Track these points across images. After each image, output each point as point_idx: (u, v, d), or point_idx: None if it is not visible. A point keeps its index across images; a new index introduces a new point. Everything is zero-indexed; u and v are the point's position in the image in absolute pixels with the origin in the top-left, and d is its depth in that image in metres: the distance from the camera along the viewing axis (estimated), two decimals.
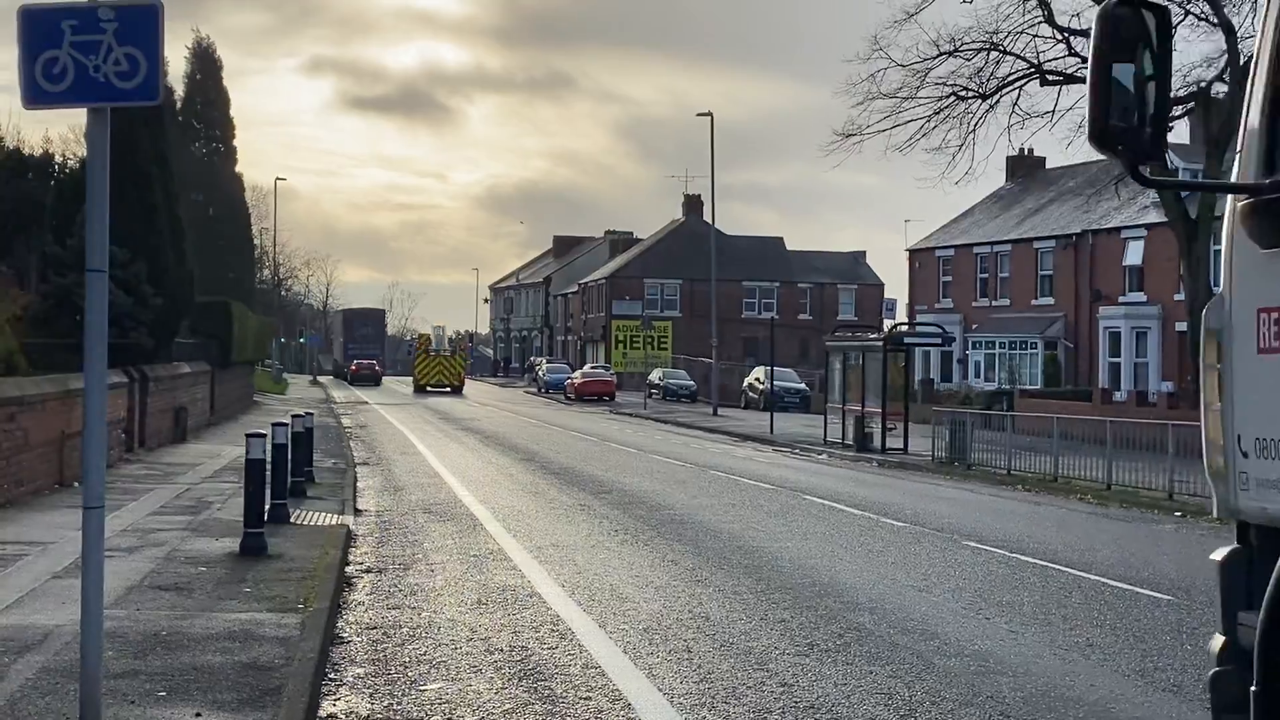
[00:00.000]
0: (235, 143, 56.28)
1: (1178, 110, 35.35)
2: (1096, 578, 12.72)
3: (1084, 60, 34.95)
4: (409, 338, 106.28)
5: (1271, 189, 4.28)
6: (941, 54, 35.75)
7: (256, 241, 66.83)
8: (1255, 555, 4.52)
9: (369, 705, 7.53)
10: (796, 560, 13.34)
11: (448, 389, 67.15)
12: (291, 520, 14.29)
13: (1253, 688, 4.17)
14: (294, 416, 17.28)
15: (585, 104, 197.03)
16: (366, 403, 52.64)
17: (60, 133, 74.99)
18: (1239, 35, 31.76)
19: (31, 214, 26.26)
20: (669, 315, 78.73)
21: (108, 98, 6.35)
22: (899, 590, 11.68)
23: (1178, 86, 34.37)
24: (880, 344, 32.20)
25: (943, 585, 12.01)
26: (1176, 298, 40.95)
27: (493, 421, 39.72)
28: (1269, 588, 4.12)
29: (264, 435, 12.53)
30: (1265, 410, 4.34)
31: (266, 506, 12.79)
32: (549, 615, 10.13)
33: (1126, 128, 4.13)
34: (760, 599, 10.99)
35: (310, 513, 15.36)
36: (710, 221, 60.53)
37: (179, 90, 52.46)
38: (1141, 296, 45.47)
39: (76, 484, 16.55)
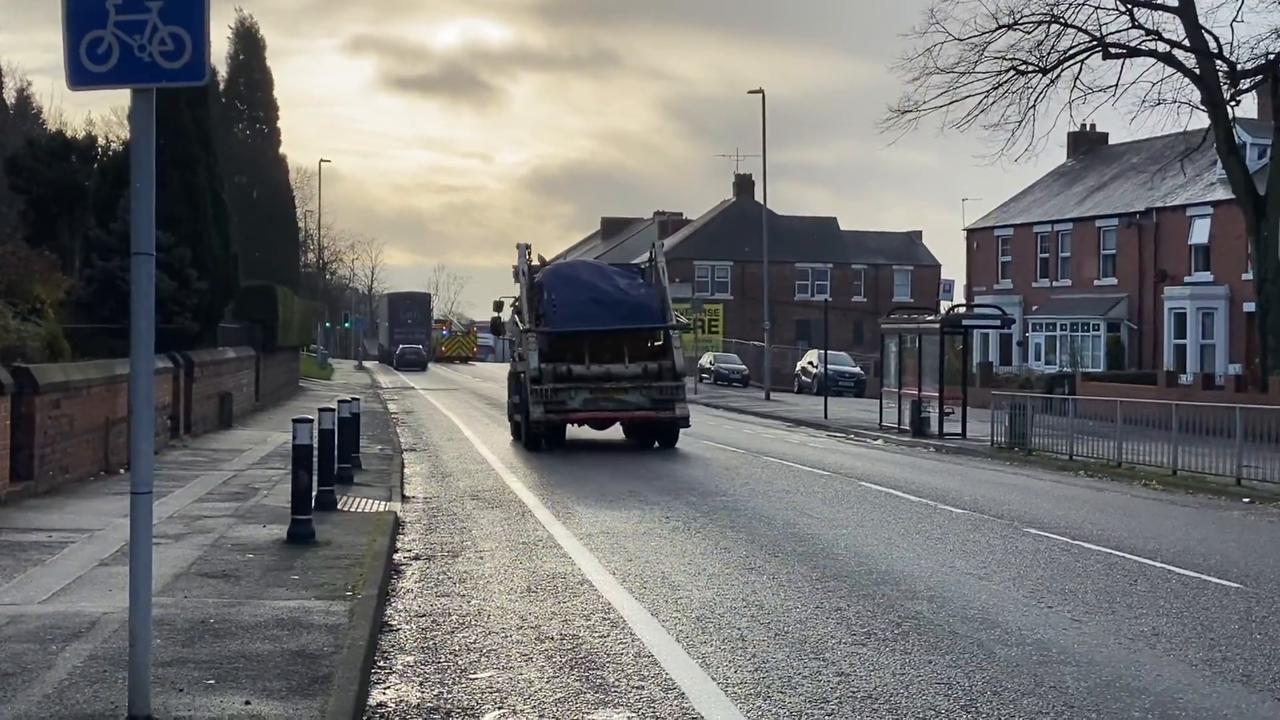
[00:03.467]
0: (279, 124, 56.20)
1: (1245, 84, 34.49)
2: (1162, 565, 12.43)
3: (1149, 32, 34.39)
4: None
5: None
6: (1001, 27, 35.06)
7: (300, 224, 66.85)
8: None
9: (419, 694, 7.42)
10: (852, 548, 13.13)
11: (457, 360, 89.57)
12: (339, 507, 14.25)
13: None
14: (340, 402, 17.22)
15: (632, 82, 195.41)
16: (413, 388, 52.75)
17: (103, 114, 75.18)
18: None
19: (74, 197, 26.29)
20: (720, 298, 77.98)
21: (153, 78, 6.24)
22: (958, 578, 11.44)
23: (1245, 59, 33.64)
24: (937, 326, 31.74)
25: (1003, 573, 11.76)
26: (1245, 277, 40.01)
27: None
28: None
29: (311, 421, 12.45)
30: None
31: (314, 493, 12.73)
32: (600, 603, 9.99)
33: None
34: (815, 587, 10.80)
35: (358, 499, 15.31)
36: (762, 201, 60.06)
37: (222, 71, 52.27)
38: (1208, 276, 44.47)
39: (122, 470, 16.62)
